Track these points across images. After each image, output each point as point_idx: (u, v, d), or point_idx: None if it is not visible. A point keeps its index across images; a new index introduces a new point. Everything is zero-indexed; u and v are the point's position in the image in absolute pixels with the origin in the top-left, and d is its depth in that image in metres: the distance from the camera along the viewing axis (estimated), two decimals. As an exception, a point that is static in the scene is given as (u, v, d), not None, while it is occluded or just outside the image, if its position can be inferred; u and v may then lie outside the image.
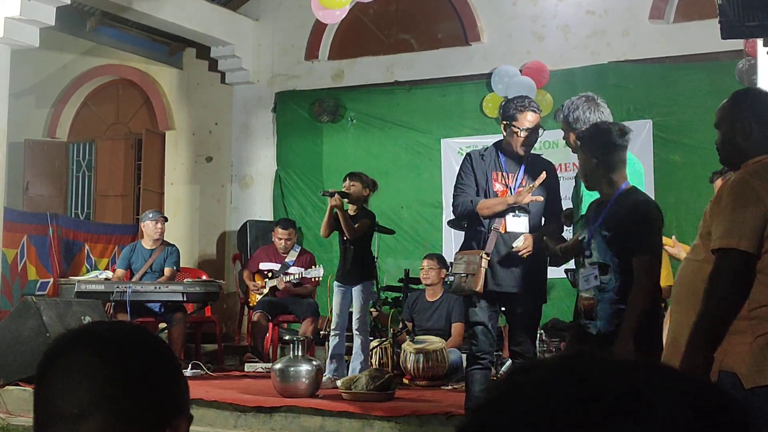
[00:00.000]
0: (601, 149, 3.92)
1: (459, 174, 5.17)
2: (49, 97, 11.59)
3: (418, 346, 6.99)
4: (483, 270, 4.85)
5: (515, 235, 4.91)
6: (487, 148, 5.22)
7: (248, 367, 7.82)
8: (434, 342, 7.06)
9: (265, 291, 8.40)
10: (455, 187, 5.16)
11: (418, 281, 7.83)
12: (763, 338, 2.91)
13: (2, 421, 6.04)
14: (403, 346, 7.10)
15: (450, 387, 6.90)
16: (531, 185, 4.89)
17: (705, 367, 2.86)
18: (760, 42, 5.47)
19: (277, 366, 6.13)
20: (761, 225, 2.90)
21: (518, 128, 4.99)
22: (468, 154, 5.25)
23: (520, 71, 9.04)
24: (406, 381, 6.97)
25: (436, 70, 9.56)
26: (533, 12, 9.17)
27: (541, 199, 4.97)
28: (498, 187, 5.00)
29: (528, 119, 5.00)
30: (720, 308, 2.91)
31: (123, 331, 1.31)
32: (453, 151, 9.37)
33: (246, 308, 8.89)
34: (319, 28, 9.99)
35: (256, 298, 8.49)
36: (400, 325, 7.59)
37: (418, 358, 6.94)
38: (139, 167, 11.23)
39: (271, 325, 8.29)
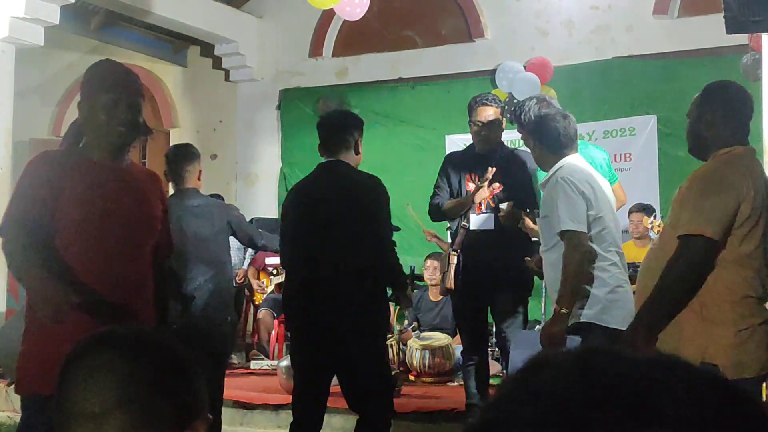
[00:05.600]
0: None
1: (437, 176, 5.13)
2: (54, 95, 11.59)
3: (423, 343, 6.98)
4: (453, 266, 4.85)
5: (483, 234, 4.85)
6: (468, 147, 5.21)
7: (254, 365, 7.82)
8: (440, 338, 7.06)
9: (270, 288, 8.39)
10: (433, 189, 5.13)
11: (423, 278, 7.81)
12: (746, 332, 2.95)
13: (10, 420, 6.05)
14: (408, 342, 7.10)
15: (456, 383, 6.89)
16: (481, 183, 4.79)
17: (644, 345, 2.86)
18: (764, 36, 5.47)
19: (284, 363, 6.13)
20: (730, 214, 2.94)
21: (473, 122, 4.96)
22: (447, 155, 5.26)
23: (525, 67, 9.03)
24: (412, 377, 6.97)
25: (440, 66, 9.55)
26: (537, 8, 9.15)
27: (488, 193, 4.83)
28: (471, 186, 4.92)
29: (485, 113, 4.93)
30: (675, 291, 2.94)
31: (144, 333, 1.34)
32: (458, 147, 9.30)
33: (252, 305, 8.89)
34: (322, 25, 9.98)
35: (261, 296, 8.49)
36: (405, 322, 7.58)
37: (424, 355, 6.94)
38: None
39: (276, 322, 8.28)
